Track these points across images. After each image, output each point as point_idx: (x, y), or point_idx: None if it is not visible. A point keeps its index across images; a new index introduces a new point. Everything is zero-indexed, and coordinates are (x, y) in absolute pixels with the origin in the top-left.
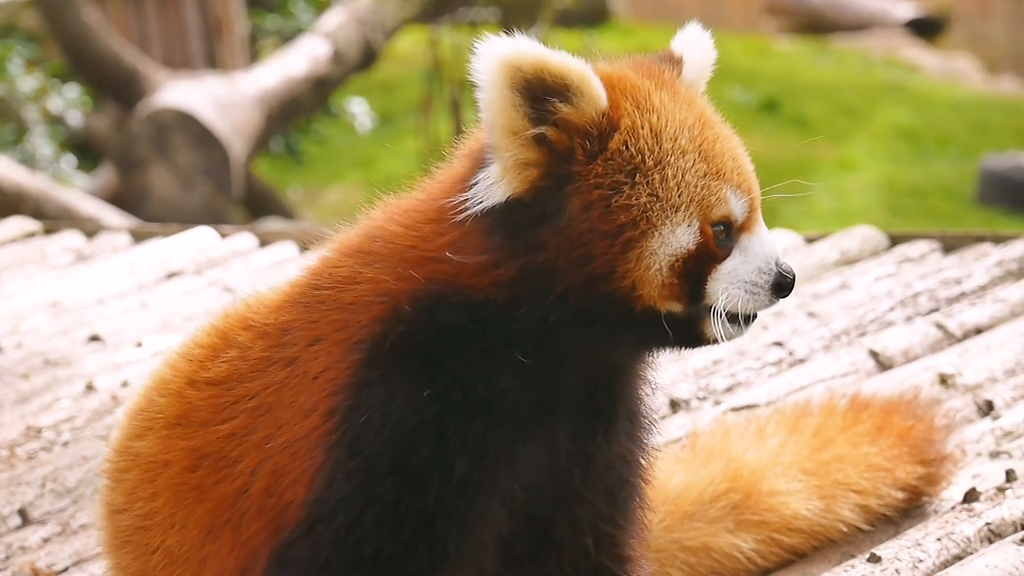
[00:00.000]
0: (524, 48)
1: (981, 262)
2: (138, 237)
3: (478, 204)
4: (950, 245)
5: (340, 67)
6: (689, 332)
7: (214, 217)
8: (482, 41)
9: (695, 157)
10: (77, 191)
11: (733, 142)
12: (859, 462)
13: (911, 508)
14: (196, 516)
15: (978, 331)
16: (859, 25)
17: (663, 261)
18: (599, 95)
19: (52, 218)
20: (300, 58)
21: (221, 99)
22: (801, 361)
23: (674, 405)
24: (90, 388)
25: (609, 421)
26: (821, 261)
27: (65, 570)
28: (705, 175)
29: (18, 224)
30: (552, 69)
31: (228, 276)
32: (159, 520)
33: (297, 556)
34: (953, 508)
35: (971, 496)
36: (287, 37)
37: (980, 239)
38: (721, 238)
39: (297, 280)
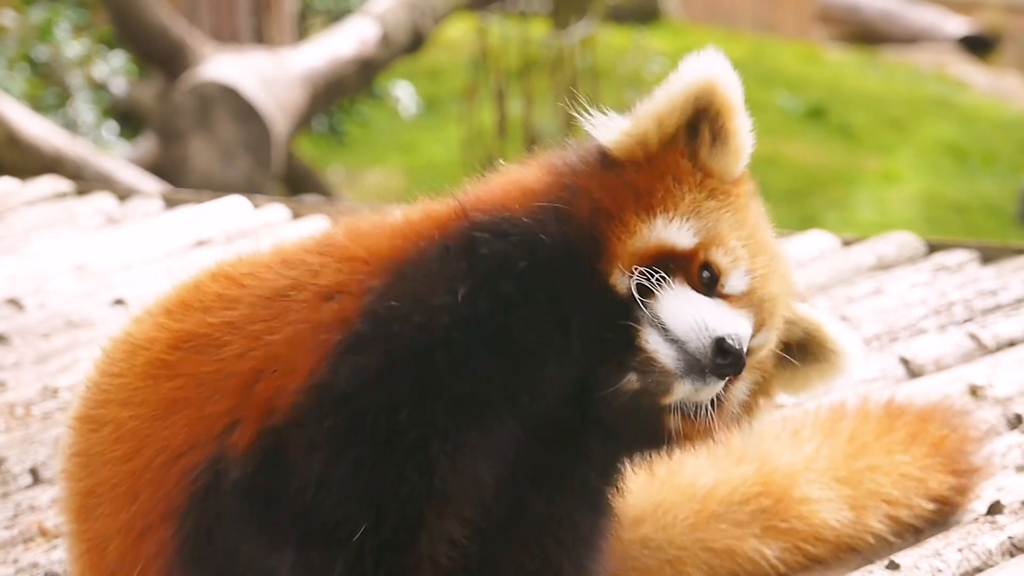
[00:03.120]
0: (731, 84)
1: (1018, 274)
2: (170, 203)
3: (591, 128)
4: (988, 256)
5: (387, 50)
6: (626, 334)
7: (252, 192)
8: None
9: (741, 233)
10: (117, 158)
11: (778, 264)
12: (892, 471)
13: (938, 518)
14: (159, 392)
15: (1012, 344)
16: (911, 38)
17: (649, 238)
18: (737, 173)
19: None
20: (348, 39)
21: (266, 75)
22: None
23: None
24: None
25: (562, 476)
26: (856, 265)
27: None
28: (734, 235)
29: (50, 184)
30: (730, 115)
31: (257, 247)
32: (122, 395)
33: (290, 455)
34: (976, 520)
35: (995, 509)
36: (336, 17)
37: (1019, 252)
38: (704, 277)
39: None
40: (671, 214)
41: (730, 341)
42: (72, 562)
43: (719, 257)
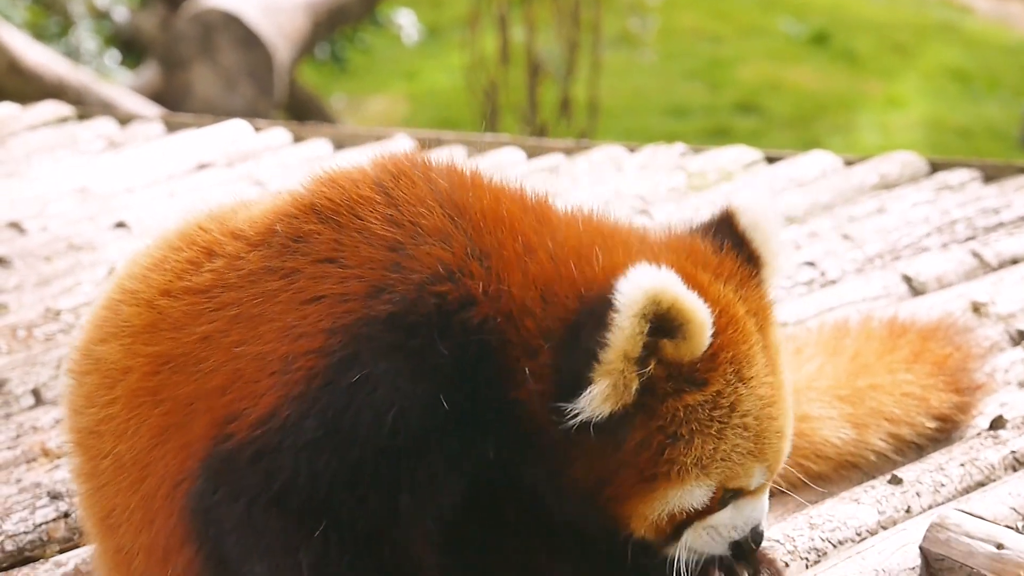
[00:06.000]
0: (667, 283)
1: (1021, 193)
2: (171, 127)
3: (578, 415)
4: (991, 175)
5: None
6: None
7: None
8: (635, 268)
9: (751, 435)
10: (119, 86)
11: (786, 403)
12: (894, 390)
13: (941, 436)
14: (149, 421)
15: (1014, 261)
16: None
17: (669, 509)
18: (704, 344)
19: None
20: None
21: (268, 2)
22: (833, 282)
23: None
24: (112, 273)
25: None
26: (859, 184)
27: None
28: (748, 453)
29: (52, 108)
30: (683, 310)
31: (259, 170)
32: (112, 426)
33: (247, 482)
34: (979, 434)
35: (998, 423)
36: None
37: (1022, 170)
38: (726, 499)
39: (323, 192)
40: (679, 477)
41: (751, 542)
42: (98, 564)
43: (737, 482)
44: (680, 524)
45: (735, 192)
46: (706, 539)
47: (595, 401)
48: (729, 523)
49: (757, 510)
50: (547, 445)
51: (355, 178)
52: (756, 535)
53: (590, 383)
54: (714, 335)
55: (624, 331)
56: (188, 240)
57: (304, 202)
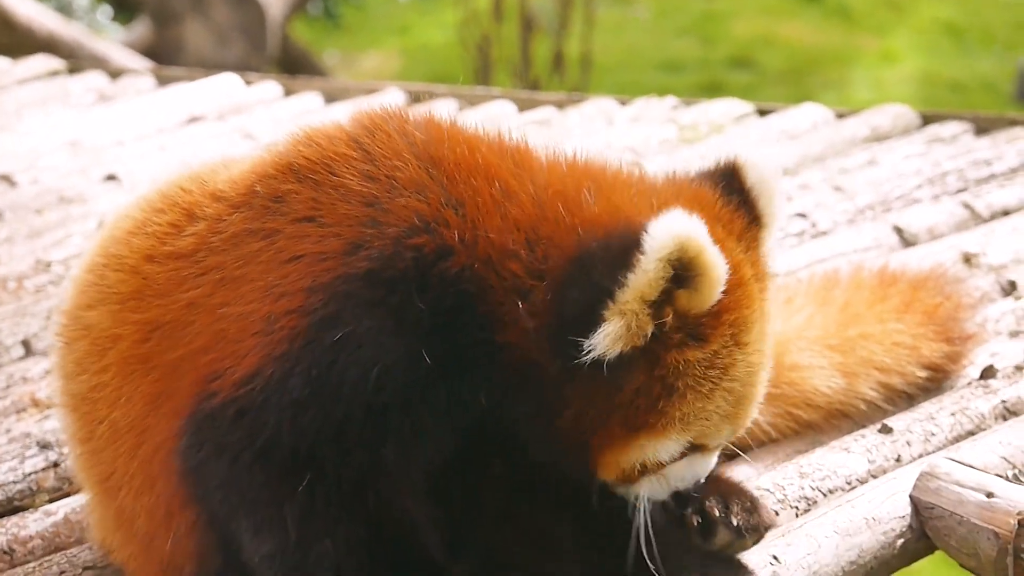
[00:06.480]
0: (698, 233)
1: (1013, 145)
2: (162, 81)
3: (589, 351)
4: (982, 127)
5: None
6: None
7: None
8: (666, 213)
9: (733, 400)
10: (111, 41)
11: (767, 373)
12: (885, 339)
13: (931, 385)
14: (142, 388)
15: (1005, 213)
16: None
17: (642, 459)
18: (712, 299)
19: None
20: None
21: None
22: (824, 233)
23: None
24: (103, 225)
25: None
26: (851, 137)
27: None
28: (726, 416)
29: (42, 62)
30: (705, 262)
31: (250, 123)
32: (106, 393)
33: (230, 438)
34: (969, 384)
35: (988, 373)
36: None
37: (1013, 122)
38: (685, 453)
39: (300, 151)
40: (663, 430)
41: (688, 492)
42: (98, 524)
43: (705, 440)
44: (643, 473)
45: (733, 144)
46: (655, 486)
47: (608, 339)
48: (679, 475)
49: (707, 466)
50: (541, 384)
51: (332, 135)
52: (695, 487)
53: (602, 320)
54: (722, 293)
55: (648, 273)
56: (169, 202)
57: (282, 162)
